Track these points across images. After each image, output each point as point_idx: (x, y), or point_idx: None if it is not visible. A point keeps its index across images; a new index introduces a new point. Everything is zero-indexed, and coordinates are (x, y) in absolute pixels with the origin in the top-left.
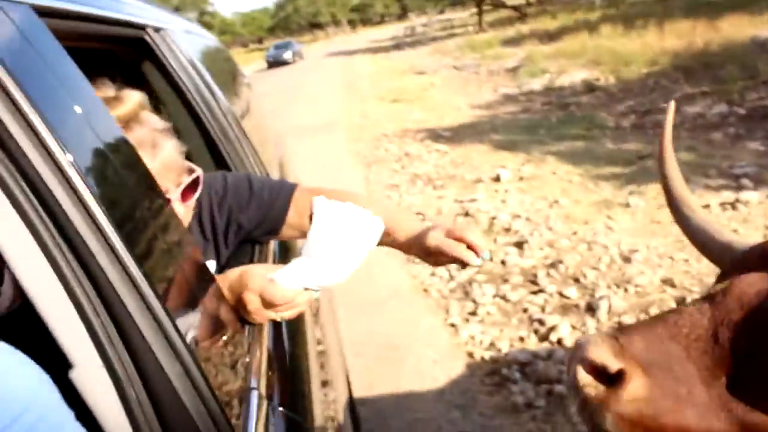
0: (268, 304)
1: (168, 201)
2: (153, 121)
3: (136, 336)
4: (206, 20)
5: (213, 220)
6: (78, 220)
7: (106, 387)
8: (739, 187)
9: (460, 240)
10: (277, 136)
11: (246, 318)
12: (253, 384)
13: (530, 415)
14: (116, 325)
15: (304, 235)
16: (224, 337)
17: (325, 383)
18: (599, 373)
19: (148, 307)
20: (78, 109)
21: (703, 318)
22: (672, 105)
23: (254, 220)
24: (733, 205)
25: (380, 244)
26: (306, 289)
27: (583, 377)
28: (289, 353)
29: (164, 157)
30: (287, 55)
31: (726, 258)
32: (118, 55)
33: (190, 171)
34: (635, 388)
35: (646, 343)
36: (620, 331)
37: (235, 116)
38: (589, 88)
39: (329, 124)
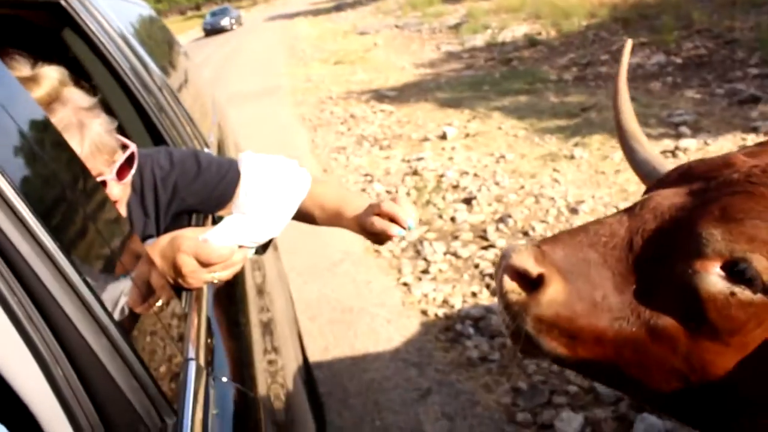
0: (203, 265)
1: (102, 184)
2: (77, 98)
3: (56, 312)
4: None
5: (156, 196)
6: None
7: (29, 368)
8: (678, 135)
9: (388, 216)
10: (218, 105)
11: (182, 284)
12: (191, 354)
13: (485, 368)
14: (35, 302)
15: None
16: (157, 307)
17: (272, 350)
18: (522, 279)
19: (67, 281)
20: None
21: (620, 228)
22: (629, 43)
23: (199, 196)
24: (673, 153)
25: (333, 225)
26: (240, 247)
27: (507, 283)
28: (230, 321)
29: (93, 137)
30: (225, 21)
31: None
32: (32, 22)
33: (124, 147)
34: (553, 292)
35: (567, 250)
36: (544, 240)
37: (170, 87)
38: (531, 42)
39: (272, 89)
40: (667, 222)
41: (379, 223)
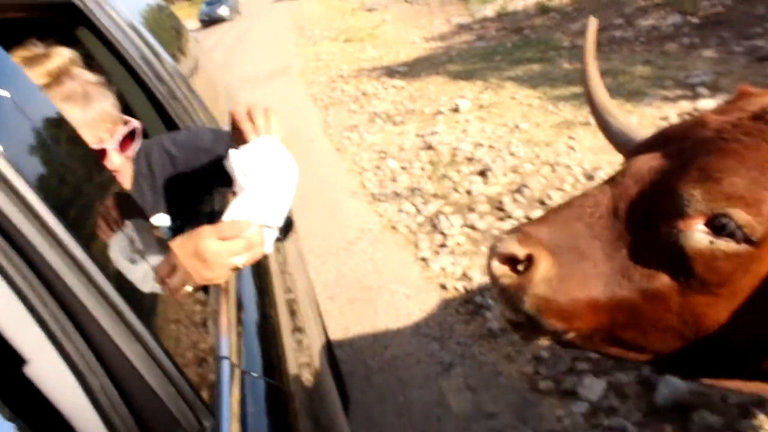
0: (224, 248)
1: (103, 153)
2: (85, 75)
3: (89, 322)
4: None
5: (167, 175)
6: (15, 214)
7: (66, 379)
8: (696, 96)
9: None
10: (231, 90)
11: (208, 277)
12: (224, 352)
13: (507, 339)
14: (66, 312)
15: None
16: (185, 295)
17: (297, 335)
18: (512, 263)
19: (99, 291)
20: (4, 93)
21: (604, 197)
22: (593, 21)
23: (208, 169)
24: (690, 115)
25: None
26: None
27: (497, 269)
28: (259, 312)
29: (97, 107)
30: (223, 10)
31: None
32: (49, 22)
33: (126, 123)
34: (544, 269)
35: (552, 227)
36: (528, 222)
37: (182, 75)
38: (542, 9)
39: (283, 70)
40: (648, 186)
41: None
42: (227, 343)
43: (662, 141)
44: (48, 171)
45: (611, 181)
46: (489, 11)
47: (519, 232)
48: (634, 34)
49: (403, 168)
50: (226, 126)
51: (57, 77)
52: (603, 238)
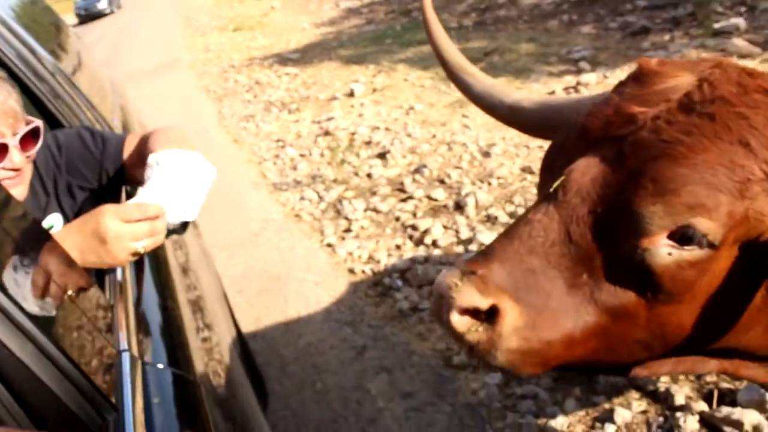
0: (126, 230)
1: (3, 148)
2: None
3: None
4: None
5: (54, 176)
6: None
7: None
8: (579, 71)
9: None
10: (117, 86)
11: (107, 260)
12: (123, 345)
13: (417, 317)
14: None
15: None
16: (79, 300)
17: (204, 328)
18: (473, 314)
19: None
20: None
21: (552, 222)
22: None
23: (94, 169)
24: (575, 89)
25: None
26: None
27: (459, 324)
28: (159, 305)
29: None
30: (102, 3)
31: (517, 117)
32: None
33: (28, 123)
34: (512, 319)
35: (507, 267)
36: (476, 261)
37: (63, 72)
38: None
39: (172, 63)
40: (599, 203)
41: None
42: (126, 336)
43: (587, 138)
44: None
45: (553, 199)
46: None
47: (474, 277)
48: (518, 13)
49: (302, 155)
50: (116, 122)
51: None
52: (562, 268)
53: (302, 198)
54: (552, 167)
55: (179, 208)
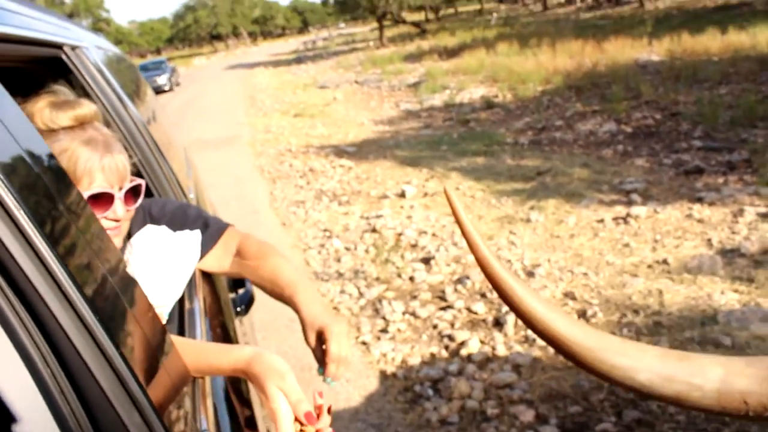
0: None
1: (110, 200)
2: (105, 129)
3: (86, 378)
4: (100, 27)
5: None
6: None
7: (16, 369)
8: (630, 202)
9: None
10: (190, 157)
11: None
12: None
13: (445, 430)
14: (66, 373)
15: (222, 272)
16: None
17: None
18: None
19: (58, 285)
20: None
21: None
22: (448, 188)
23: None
24: (624, 220)
25: (279, 299)
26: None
27: None
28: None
29: (116, 156)
30: (162, 79)
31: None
32: (32, 75)
33: (132, 181)
34: None
35: None
36: None
37: (156, 144)
38: (488, 104)
39: (232, 138)
40: None
41: (314, 350)
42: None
43: None
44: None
45: None
46: (437, 100)
47: None
48: (574, 137)
49: (347, 249)
50: (192, 196)
51: (82, 123)
52: None
53: (342, 291)
54: None
55: (159, 297)
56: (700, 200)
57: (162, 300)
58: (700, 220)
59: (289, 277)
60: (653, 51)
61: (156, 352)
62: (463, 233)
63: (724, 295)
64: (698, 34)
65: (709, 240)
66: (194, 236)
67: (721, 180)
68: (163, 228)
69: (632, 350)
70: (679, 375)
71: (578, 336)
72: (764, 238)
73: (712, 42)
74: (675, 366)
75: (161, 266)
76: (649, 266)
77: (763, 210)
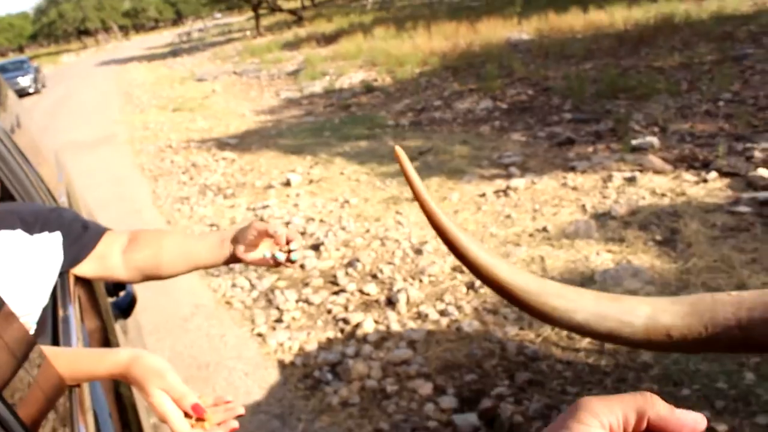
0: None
1: None
2: None
3: None
4: None
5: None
6: None
7: None
8: (509, 175)
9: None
10: (61, 160)
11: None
12: None
13: (347, 412)
14: None
15: (111, 276)
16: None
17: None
18: None
19: None
20: None
21: None
22: (399, 149)
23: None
24: (505, 192)
25: (189, 267)
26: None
27: None
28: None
29: None
30: (25, 80)
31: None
32: None
33: None
34: None
35: None
36: None
37: (7, 134)
38: (368, 88)
39: (108, 137)
40: None
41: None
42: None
43: None
44: None
45: None
46: (317, 87)
47: None
48: (453, 116)
49: None
50: (63, 200)
51: None
52: None
53: (234, 285)
54: None
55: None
56: (573, 169)
57: (25, 309)
58: (574, 188)
59: (198, 239)
60: (523, 30)
61: (22, 364)
62: (413, 190)
63: (599, 256)
64: (563, 14)
65: (584, 206)
66: (54, 238)
67: (590, 149)
68: (18, 232)
69: (570, 293)
70: (612, 314)
71: (521, 281)
72: (631, 200)
73: (576, 20)
74: (608, 306)
75: (18, 272)
76: (531, 235)
77: (628, 174)
